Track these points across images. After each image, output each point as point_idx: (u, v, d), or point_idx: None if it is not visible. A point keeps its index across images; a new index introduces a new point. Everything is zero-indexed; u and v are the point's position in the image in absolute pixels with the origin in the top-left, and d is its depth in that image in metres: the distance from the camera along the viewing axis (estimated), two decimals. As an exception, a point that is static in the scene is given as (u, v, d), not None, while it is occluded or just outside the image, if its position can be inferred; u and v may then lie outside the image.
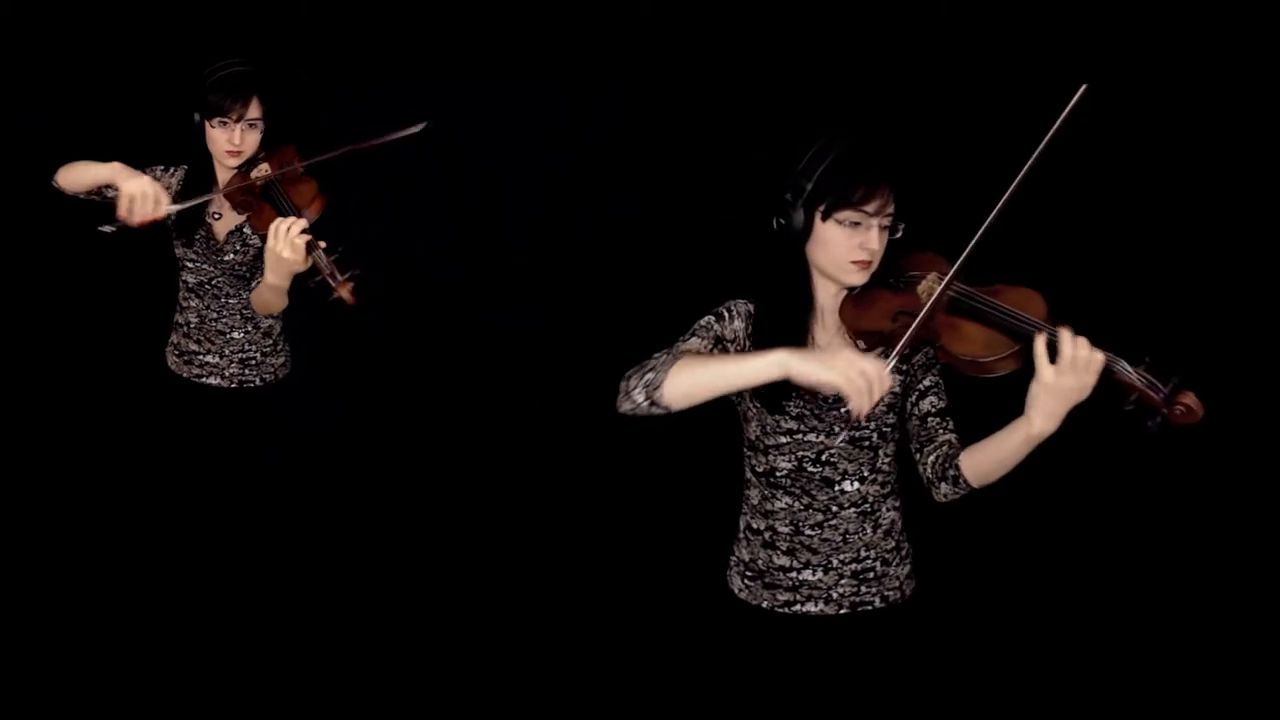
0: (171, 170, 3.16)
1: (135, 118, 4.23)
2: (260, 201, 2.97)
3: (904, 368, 2.11)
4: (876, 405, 1.87)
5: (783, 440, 2.12)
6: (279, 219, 2.71)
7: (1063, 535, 3.74)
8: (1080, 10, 3.75)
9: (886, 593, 2.18)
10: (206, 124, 3.03)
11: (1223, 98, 3.68)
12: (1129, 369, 1.85)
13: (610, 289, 4.15)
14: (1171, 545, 3.67)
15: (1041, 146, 1.93)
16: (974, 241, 1.99)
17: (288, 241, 2.69)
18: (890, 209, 2.04)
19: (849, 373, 1.82)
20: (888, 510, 2.18)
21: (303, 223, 2.72)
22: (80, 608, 3.68)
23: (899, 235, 2.07)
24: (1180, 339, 3.61)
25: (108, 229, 2.81)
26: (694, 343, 2.07)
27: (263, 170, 3.01)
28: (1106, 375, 1.85)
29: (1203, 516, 3.68)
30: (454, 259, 4.37)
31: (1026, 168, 1.94)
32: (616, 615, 3.67)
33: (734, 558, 2.26)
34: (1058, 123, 1.91)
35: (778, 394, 2.09)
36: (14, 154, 4.21)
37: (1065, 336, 1.84)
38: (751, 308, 2.15)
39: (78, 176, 2.97)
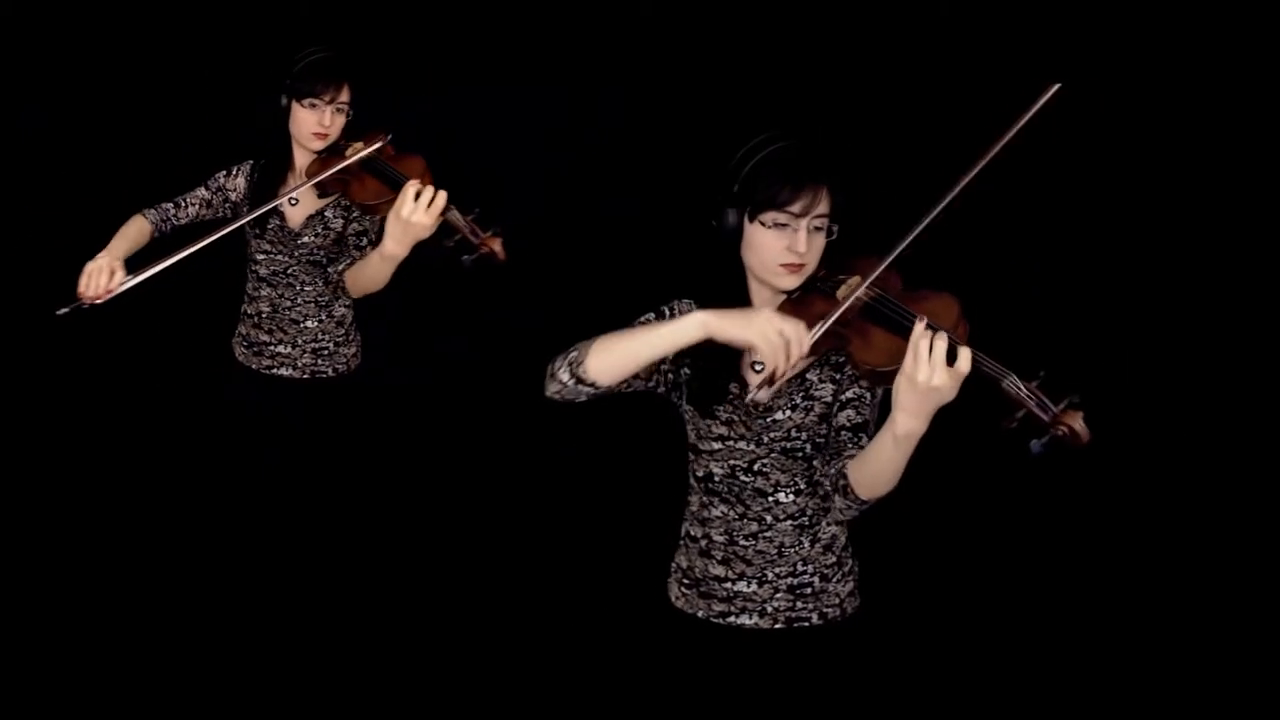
0: (234, 171, 3.14)
1: (135, 117, 4.24)
2: (362, 175, 2.92)
3: (837, 376, 2.03)
4: (791, 370, 1.84)
5: (715, 446, 2.06)
6: (410, 183, 2.58)
7: (1015, 558, 3.66)
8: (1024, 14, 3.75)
9: (825, 609, 2.08)
10: (295, 105, 3.00)
11: (1160, 110, 3.68)
12: (1019, 384, 1.73)
13: (610, 289, 4.15)
14: (1123, 564, 3.61)
15: (997, 148, 1.86)
16: (900, 248, 1.89)
17: (421, 205, 2.56)
18: (820, 210, 1.95)
19: (766, 331, 1.80)
20: (829, 524, 2.09)
21: (431, 185, 2.60)
22: (113, 601, 3.68)
23: (834, 237, 1.98)
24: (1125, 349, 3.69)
25: (62, 311, 2.73)
26: None
27: (358, 146, 2.98)
28: (994, 389, 1.74)
29: (1148, 537, 3.65)
30: (454, 258, 4.36)
31: (975, 172, 1.86)
32: (570, 620, 3.58)
33: (674, 564, 2.19)
34: (1019, 123, 1.85)
35: (708, 397, 2.04)
36: (14, 154, 4.22)
37: (919, 328, 1.74)
38: (693, 307, 2.06)
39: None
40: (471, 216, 2.69)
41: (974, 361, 1.73)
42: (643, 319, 2.05)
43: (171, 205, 3.05)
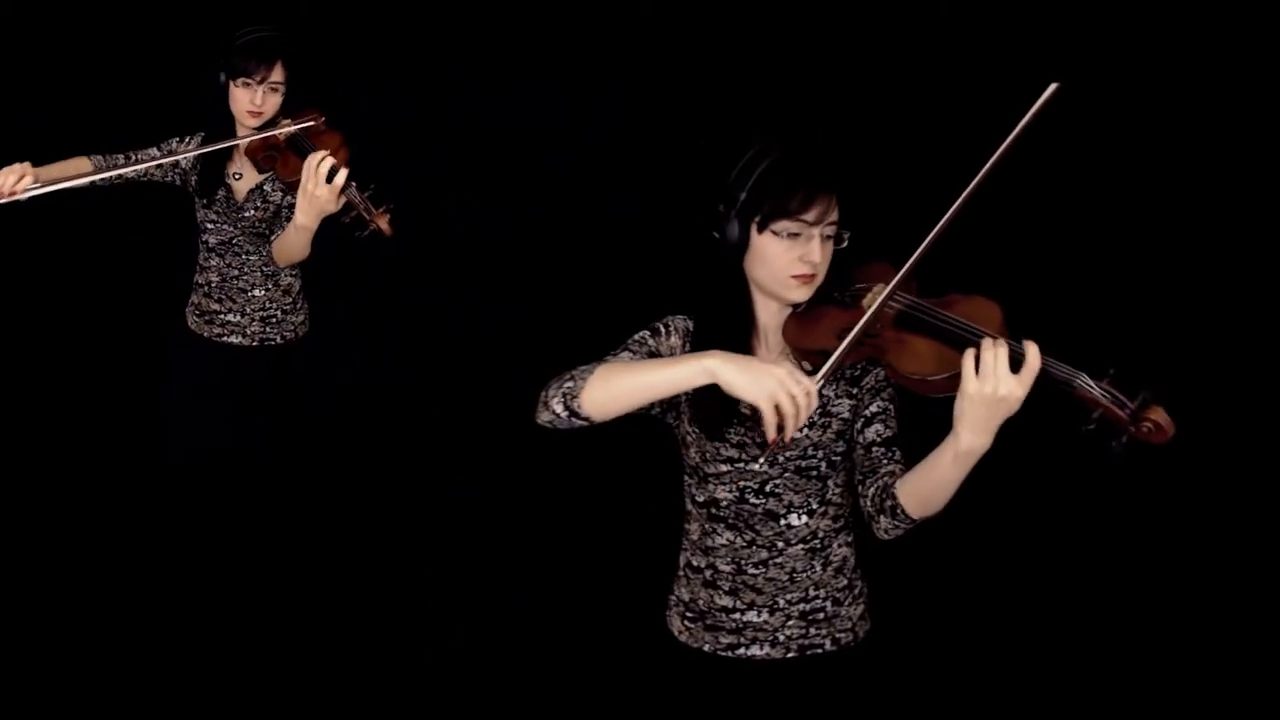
0: (187, 140, 3.24)
1: (135, 117, 4.22)
2: (286, 152, 3.08)
3: (854, 390, 1.94)
4: (798, 432, 1.73)
5: (723, 469, 1.95)
6: (312, 155, 2.78)
7: (1026, 574, 3.58)
8: (1039, 10, 3.72)
9: (838, 635, 2.00)
10: (231, 84, 3.11)
11: (1187, 102, 3.62)
12: (1090, 383, 1.67)
13: (610, 289, 4.14)
14: (1136, 580, 3.54)
15: (1004, 148, 1.76)
16: (920, 250, 1.81)
17: (320, 177, 2.75)
18: (833, 217, 1.87)
19: (777, 394, 1.67)
20: (839, 546, 2.01)
21: (333, 159, 2.78)
22: (94, 585, 3.69)
23: (844, 245, 1.90)
24: (1159, 349, 3.62)
25: None
26: (624, 357, 1.94)
27: (286, 124, 3.12)
28: (1065, 391, 1.67)
29: (1176, 552, 3.57)
30: (454, 260, 4.36)
31: (984, 172, 1.77)
32: (565, 655, 3.46)
33: (673, 597, 2.09)
34: (1022, 123, 1.75)
35: (717, 421, 1.93)
36: (14, 154, 4.20)
37: (987, 343, 1.68)
38: (691, 324, 1.99)
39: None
40: (367, 194, 2.90)
41: (1045, 366, 1.67)
42: (637, 337, 1.97)
43: (122, 156, 3.19)
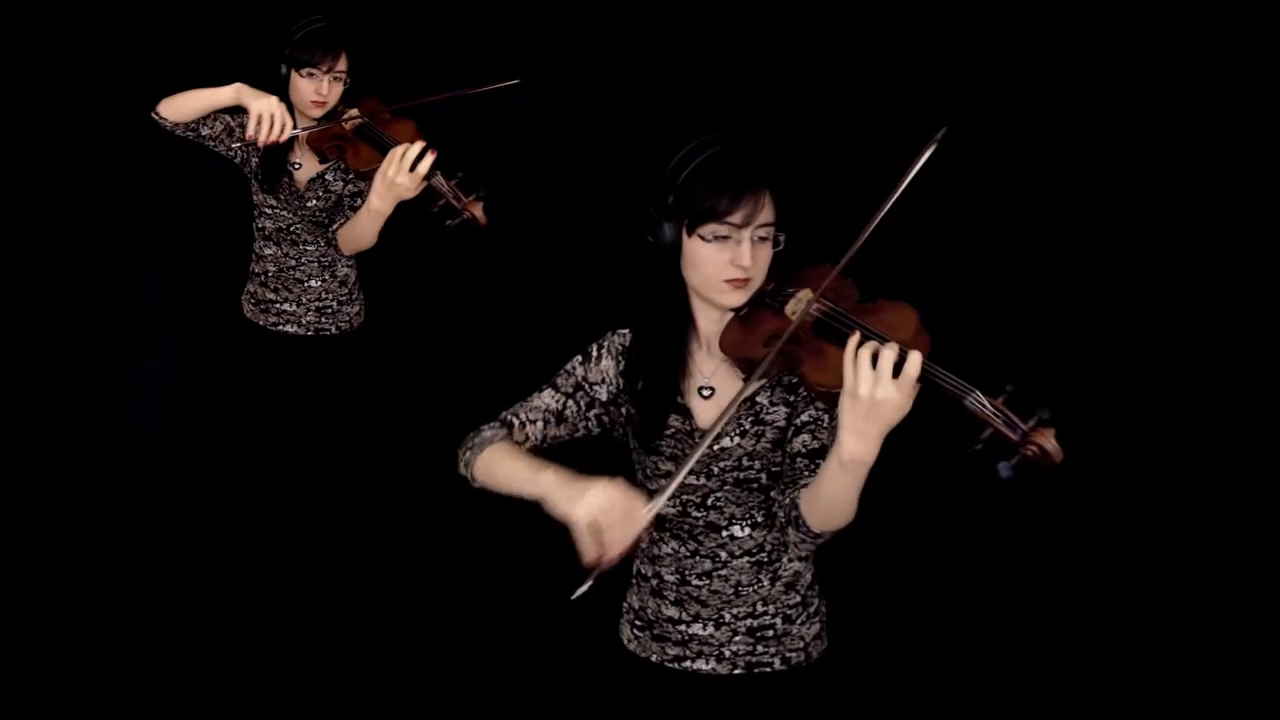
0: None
1: (135, 117, 4.24)
2: (356, 142, 3.07)
3: (790, 398, 1.87)
4: (619, 558, 1.67)
5: (663, 483, 1.88)
6: (397, 147, 2.76)
7: (991, 597, 3.55)
8: (964, 14, 3.73)
9: (788, 654, 1.94)
10: (294, 74, 3.11)
11: (1101, 112, 3.66)
12: (984, 401, 1.58)
13: (607, 289, 4.15)
14: (1104, 596, 3.52)
15: (897, 194, 1.73)
16: (844, 260, 1.75)
17: (405, 165, 2.73)
18: (765, 219, 1.80)
19: (592, 514, 1.64)
20: (790, 561, 1.93)
21: (420, 144, 2.76)
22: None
23: (781, 247, 1.83)
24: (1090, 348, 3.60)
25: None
26: (546, 396, 1.94)
27: (353, 114, 3.11)
28: (956, 407, 1.59)
29: (1131, 563, 3.56)
30: (451, 260, 4.37)
31: (884, 210, 1.73)
32: (516, 662, 3.45)
33: (625, 604, 2.06)
34: (914, 168, 1.72)
35: (649, 433, 1.90)
36: (14, 154, 4.22)
37: (869, 343, 1.61)
38: (628, 340, 1.95)
39: (185, 104, 3.05)
40: (455, 181, 2.85)
41: (932, 378, 1.60)
42: (567, 367, 1.96)
43: None
